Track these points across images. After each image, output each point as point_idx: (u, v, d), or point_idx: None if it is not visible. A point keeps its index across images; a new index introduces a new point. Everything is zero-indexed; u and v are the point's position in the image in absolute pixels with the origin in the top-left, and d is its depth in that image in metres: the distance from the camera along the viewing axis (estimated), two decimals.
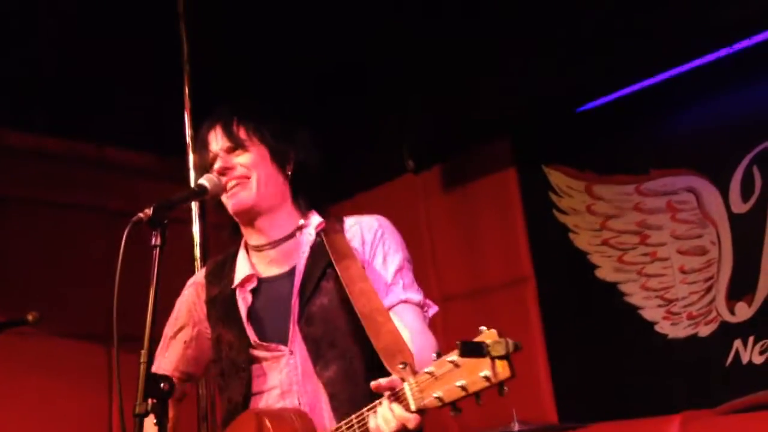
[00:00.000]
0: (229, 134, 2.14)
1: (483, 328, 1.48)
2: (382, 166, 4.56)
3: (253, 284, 2.17)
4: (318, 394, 2.03)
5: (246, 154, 2.15)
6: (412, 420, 1.59)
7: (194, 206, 3.05)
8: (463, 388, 1.45)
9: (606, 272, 4.17)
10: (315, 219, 2.18)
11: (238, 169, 2.13)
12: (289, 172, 2.19)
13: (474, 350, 1.44)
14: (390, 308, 2.01)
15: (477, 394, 1.46)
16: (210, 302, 2.25)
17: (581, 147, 4.30)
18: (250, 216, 2.16)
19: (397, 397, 1.60)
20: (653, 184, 4.04)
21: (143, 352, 1.70)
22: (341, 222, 2.20)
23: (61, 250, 4.18)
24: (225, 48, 3.49)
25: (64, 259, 4.18)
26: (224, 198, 2.14)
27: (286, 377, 2.07)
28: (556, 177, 4.38)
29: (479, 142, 4.53)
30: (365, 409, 1.77)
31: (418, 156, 4.49)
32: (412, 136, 4.50)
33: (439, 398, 1.48)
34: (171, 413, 2.33)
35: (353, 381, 2.01)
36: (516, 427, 3.08)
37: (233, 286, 2.19)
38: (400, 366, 1.57)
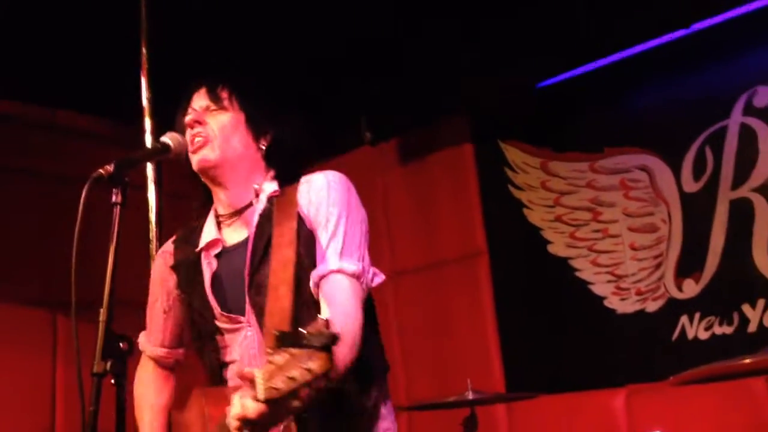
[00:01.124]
0: (212, 93, 2.10)
1: (320, 316, 1.45)
2: (339, 138, 4.54)
3: (217, 249, 2.13)
4: None
5: (223, 114, 2.10)
6: (258, 409, 1.53)
7: (150, 171, 2.99)
8: (292, 379, 1.40)
9: (558, 248, 4.23)
10: (270, 186, 2.11)
11: (209, 125, 2.08)
12: (264, 146, 2.14)
13: (292, 341, 1.41)
14: (322, 278, 1.92)
15: (307, 385, 1.41)
16: (176, 267, 2.22)
17: (538, 124, 4.35)
18: (213, 176, 2.10)
19: (255, 386, 1.56)
20: (607, 161, 4.10)
21: (102, 310, 1.67)
22: (297, 183, 2.12)
23: (9, 215, 4.08)
24: (183, 9, 3.40)
25: (12, 225, 4.08)
26: (189, 155, 2.08)
27: (244, 349, 2.03)
28: (512, 153, 4.42)
29: (437, 117, 4.54)
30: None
31: (376, 128, 4.48)
32: (371, 109, 4.49)
33: (276, 389, 1.43)
34: (169, 384, 2.32)
35: None
36: (470, 395, 3.12)
37: (197, 249, 2.15)
38: (268, 350, 1.48)
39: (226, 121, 2.10)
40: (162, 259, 2.28)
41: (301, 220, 2.02)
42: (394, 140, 4.69)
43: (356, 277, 1.92)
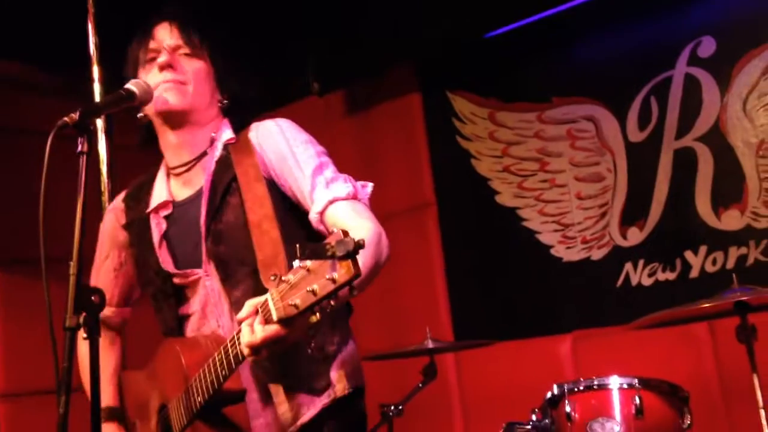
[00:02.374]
0: (186, 35, 2.04)
1: (333, 229, 1.42)
2: (286, 87, 4.47)
3: (167, 210, 2.09)
4: (232, 315, 1.96)
5: (196, 61, 2.05)
6: (275, 330, 1.53)
7: (99, 122, 2.89)
8: (313, 292, 1.39)
9: (506, 198, 4.27)
10: (226, 134, 2.08)
11: (183, 69, 2.03)
12: (224, 101, 2.10)
13: (315, 252, 1.38)
14: (322, 213, 1.88)
15: (329, 297, 1.40)
16: (127, 227, 2.19)
17: (486, 74, 4.34)
18: (175, 122, 2.05)
19: (264, 310, 1.55)
20: (554, 112, 4.14)
21: (72, 263, 1.62)
22: (247, 131, 2.09)
23: None
24: None
25: None
26: (158, 95, 2.00)
27: (203, 299, 2.02)
28: (460, 103, 4.42)
29: (385, 67, 4.50)
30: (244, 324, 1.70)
31: (323, 78, 4.43)
32: (318, 59, 4.42)
33: (294, 305, 1.42)
34: (116, 346, 2.28)
35: None
36: (430, 344, 3.15)
37: (147, 211, 2.11)
38: (272, 278, 1.49)
39: (200, 69, 2.06)
40: (113, 215, 2.24)
41: (263, 158, 2.00)
42: (342, 91, 4.64)
43: (353, 197, 1.90)
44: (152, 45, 2.05)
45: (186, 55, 2.05)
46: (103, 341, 2.24)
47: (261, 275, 1.82)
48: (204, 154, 2.07)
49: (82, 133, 1.68)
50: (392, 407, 3.12)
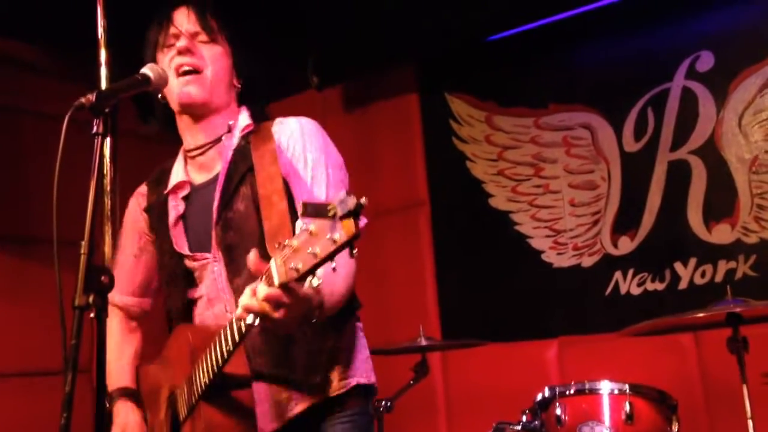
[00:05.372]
0: (203, 20, 2.05)
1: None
2: (286, 80, 4.47)
3: (185, 191, 2.11)
4: (237, 301, 1.98)
5: (214, 46, 2.06)
6: (276, 294, 1.52)
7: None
8: (314, 254, 1.39)
9: (499, 201, 4.30)
10: (243, 120, 2.09)
11: (200, 56, 2.04)
12: (239, 84, 2.11)
13: (317, 210, 1.38)
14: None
15: (330, 257, 1.40)
16: (148, 210, 2.20)
17: (485, 78, 4.37)
18: (196, 113, 2.07)
19: (267, 275, 1.54)
20: (551, 118, 4.17)
21: (83, 243, 1.62)
22: (270, 123, 2.10)
23: None
24: None
25: None
26: (173, 87, 2.02)
27: (211, 284, 2.02)
28: (457, 105, 4.44)
29: (385, 65, 4.52)
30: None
31: (323, 73, 4.43)
32: (319, 53, 4.43)
33: (296, 269, 1.42)
34: (137, 335, 2.28)
35: None
36: (422, 342, 3.17)
37: (165, 192, 2.13)
38: (276, 245, 1.50)
39: (218, 56, 2.06)
40: (136, 200, 2.27)
41: (280, 151, 2.00)
42: (341, 86, 4.65)
43: None
44: (172, 30, 2.06)
45: (204, 41, 2.06)
46: (124, 326, 2.27)
47: (267, 245, 1.82)
48: (219, 139, 2.08)
49: (97, 114, 1.68)
50: (383, 402, 3.13)
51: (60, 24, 3.63)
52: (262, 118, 2.12)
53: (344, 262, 1.83)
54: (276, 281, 1.48)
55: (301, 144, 1.99)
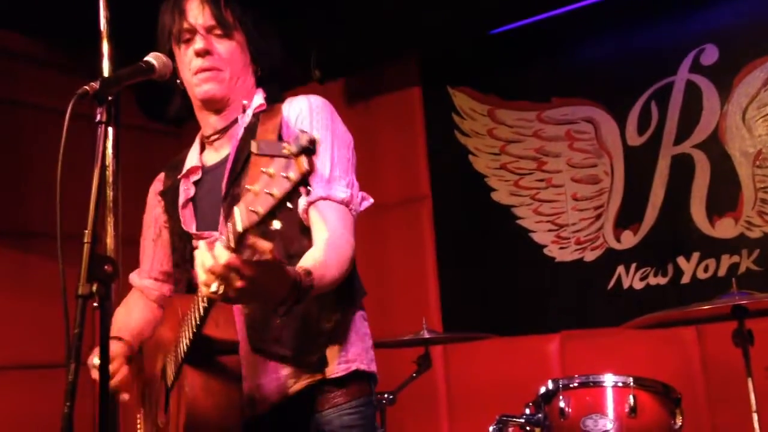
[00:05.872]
0: (218, 14, 2.02)
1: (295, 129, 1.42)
2: (287, 72, 4.45)
3: (197, 176, 2.11)
4: None
5: (227, 41, 2.04)
6: (233, 260, 1.49)
7: None
8: (271, 195, 1.36)
9: (502, 195, 4.29)
10: (257, 100, 2.08)
11: (218, 54, 2.02)
12: (258, 72, 2.10)
13: (270, 147, 1.36)
14: (311, 204, 1.87)
15: (288, 197, 1.37)
16: (163, 194, 2.22)
17: (488, 71, 4.36)
18: (216, 107, 2.07)
19: (233, 224, 1.48)
20: (554, 112, 4.16)
21: (87, 232, 1.61)
22: (282, 102, 2.07)
23: None
24: None
25: None
26: (191, 82, 2.03)
27: None
28: (460, 99, 4.43)
29: (387, 59, 4.51)
30: None
31: (325, 66, 4.42)
32: (321, 46, 4.41)
33: (256, 212, 1.39)
34: (153, 311, 2.30)
35: None
36: (425, 334, 3.16)
37: (178, 177, 2.14)
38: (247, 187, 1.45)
39: (234, 51, 2.05)
40: (154, 186, 2.29)
41: (284, 125, 1.98)
42: (343, 79, 4.64)
43: (345, 204, 1.89)
44: (186, 25, 2.03)
45: (220, 36, 2.04)
46: (145, 300, 2.30)
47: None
48: (235, 121, 2.08)
49: (101, 102, 1.66)
50: (386, 395, 3.12)
51: (61, 16, 3.61)
52: (277, 99, 2.11)
53: (339, 246, 1.83)
54: (239, 227, 1.44)
55: (308, 120, 1.97)
